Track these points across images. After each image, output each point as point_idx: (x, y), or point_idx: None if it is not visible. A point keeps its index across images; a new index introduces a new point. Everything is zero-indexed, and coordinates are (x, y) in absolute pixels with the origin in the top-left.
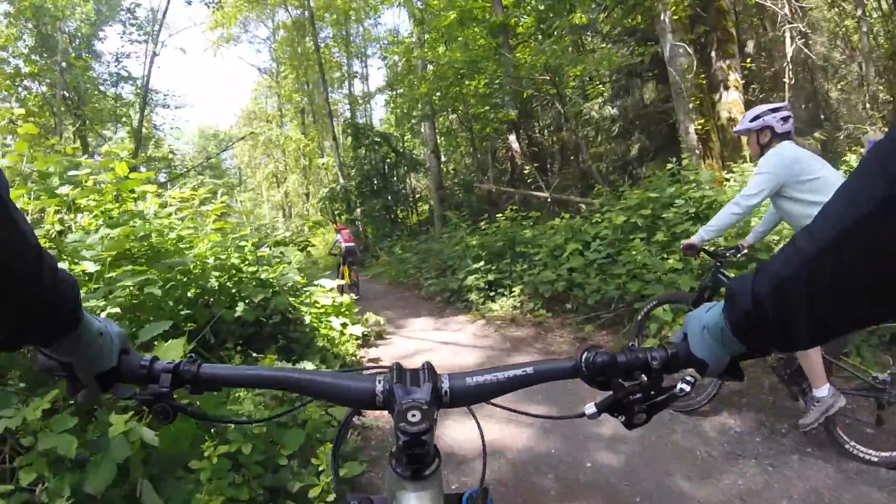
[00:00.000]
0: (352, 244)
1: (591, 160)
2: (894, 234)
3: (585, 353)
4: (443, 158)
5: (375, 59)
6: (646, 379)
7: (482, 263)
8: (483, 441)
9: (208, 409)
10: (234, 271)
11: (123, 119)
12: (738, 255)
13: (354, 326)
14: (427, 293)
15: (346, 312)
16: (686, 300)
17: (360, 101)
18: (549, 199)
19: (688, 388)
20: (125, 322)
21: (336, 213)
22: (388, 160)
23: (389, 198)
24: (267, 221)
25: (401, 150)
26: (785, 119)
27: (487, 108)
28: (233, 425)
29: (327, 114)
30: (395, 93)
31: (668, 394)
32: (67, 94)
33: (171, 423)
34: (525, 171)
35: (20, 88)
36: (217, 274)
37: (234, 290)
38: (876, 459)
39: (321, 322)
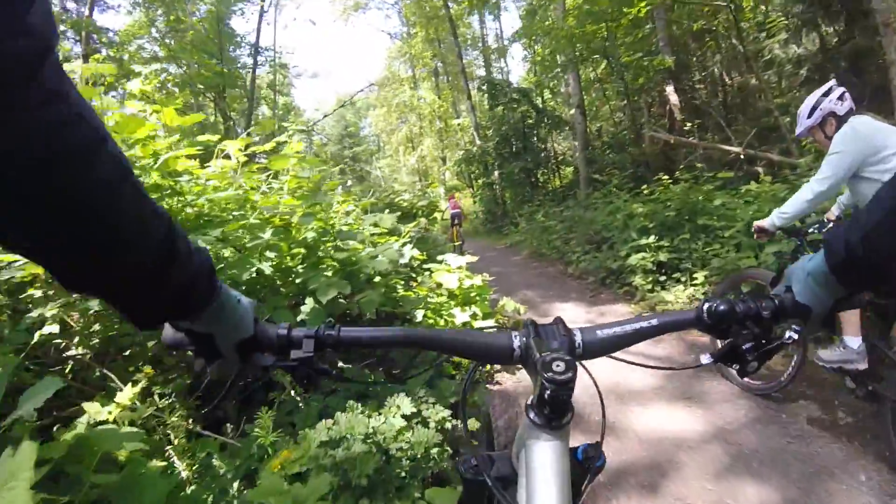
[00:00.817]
0: (457, 210)
1: (777, 111)
2: None
3: (707, 303)
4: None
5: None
6: (757, 329)
7: (651, 238)
8: (601, 396)
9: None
10: (304, 249)
11: (239, 82)
12: (823, 230)
13: (486, 321)
14: (576, 270)
15: (478, 299)
16: (764, 278)
17: (495, 52)
18: (741, 156)
19: (795, 336)
20: None
21: (473, 176)
22: (528, 119)
23: (529, 160)
24: (405, 186)
25: (541, 108)
26: (841, 98)
27: (640, 54)
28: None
29: (460, 71)
30: (531, 41)
31: (778, 342)
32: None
33: None
34: (686, 129)
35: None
36: (273, 256)
37: (297, 281)
38: None
39: (440, 316)
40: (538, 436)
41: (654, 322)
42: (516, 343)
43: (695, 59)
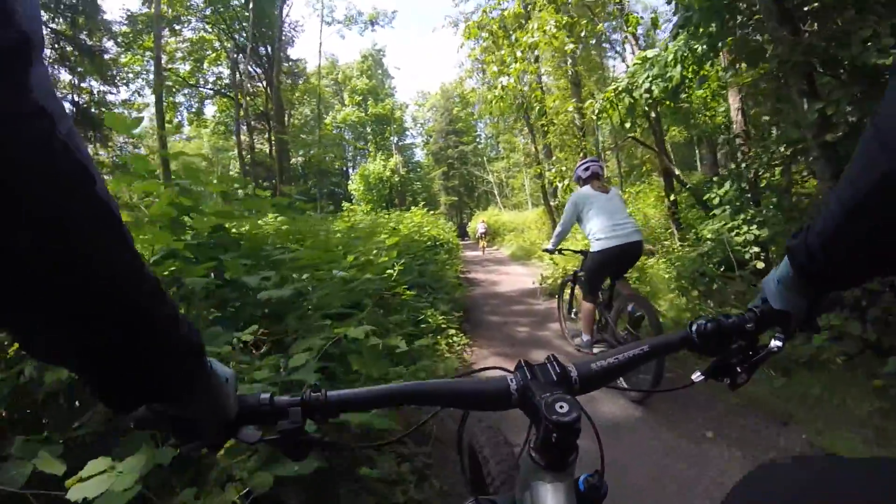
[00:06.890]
0: (484, 230)
1: None
2: None
3: (695, 323)
4: None
5: None
6: (743, 342)
7: None
8: (594, 426)
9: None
10: None
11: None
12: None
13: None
14: None
15: None
16: None
17: None
18: None
19: (780, 344)
20: None
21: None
22: None
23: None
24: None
25: None
26: None
27: None
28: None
29: None
30: None
31: (764, 352)
32: None
33: None
34: None
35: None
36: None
37: None
38: None
39: None
40: (544, 478)
41: (646, 348)
42: (513, 386)
43: None
